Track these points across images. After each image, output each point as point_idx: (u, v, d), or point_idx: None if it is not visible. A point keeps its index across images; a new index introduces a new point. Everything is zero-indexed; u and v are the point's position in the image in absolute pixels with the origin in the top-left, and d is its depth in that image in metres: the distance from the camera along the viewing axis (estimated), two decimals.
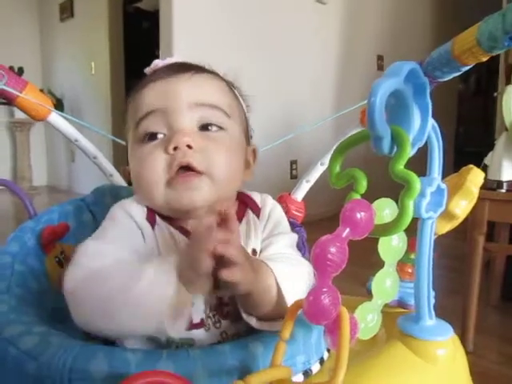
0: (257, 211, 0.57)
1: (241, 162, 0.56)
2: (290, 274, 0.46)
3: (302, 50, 3.13)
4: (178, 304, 0.41)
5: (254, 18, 2.83)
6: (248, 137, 0.60)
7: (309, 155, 2.62)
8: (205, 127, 0.53)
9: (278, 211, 0.58)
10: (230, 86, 0.59)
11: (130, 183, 0.60)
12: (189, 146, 0.50)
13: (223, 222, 0.42)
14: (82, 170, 4.16)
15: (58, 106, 3.29)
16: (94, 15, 3.94)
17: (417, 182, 0.34)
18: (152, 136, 0.53)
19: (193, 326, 0.48)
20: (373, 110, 0.32)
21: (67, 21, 4.35)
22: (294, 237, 0.58)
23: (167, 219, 0.54)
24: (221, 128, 0.54)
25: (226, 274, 0.39)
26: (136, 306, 0.41)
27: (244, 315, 0.46)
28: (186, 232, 0.53)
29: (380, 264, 0.45)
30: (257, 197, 0.59)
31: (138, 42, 3.94)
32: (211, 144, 0.52)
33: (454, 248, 1.64)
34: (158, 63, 0.59)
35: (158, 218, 0.54)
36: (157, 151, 0.51)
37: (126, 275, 0.43)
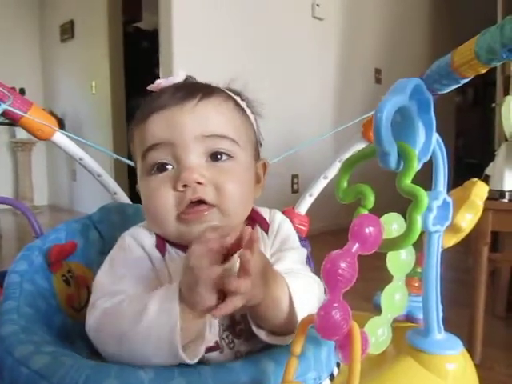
0: (265, 227, 0.57)
1: (251, 187, 0.56)
2: (301, 289, 0.46)
3: (300, 65, 3.16)
4: (190, 329, 0.41)
5: (253, 34, 2.87)
6: (257, 151, 0.60)
7: (310, 169, 2.62)
8: (213, 156, 0.52)
9: (286, 226, 0.58)
10: (237, 102, 0.58)
11: None
12: (198, 183, 0.50)
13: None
14: (83, 188, 4.17)
15: (60, 125, 3.31)
16: (95, 36, 3.99)
17: (424, 196, 0.35)
18: (160, 167, 0.52)
19: (208, 349, 0.47)
20: (379, 127, 0.32)
21: (68, 41, 4.41)
22: (304, 252, 0.58)
23: (178, 245, 0.54)
24: (229, 156, 0.53)
25: (234, 285, 0.38)
26: (146, 339, 0.41)
27: (254, 327, 0.45)
28: None
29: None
30: (266, 212, 0.59)
31: (138, 61, 3.99)
32: (221, 176, 0.51)
33: (457, 260, 1.64)
34: (160, 82, 0.57)
35: (167, 245, 0.54)
36: (165, 187, 0.51)
37: (134, 310, 0.43)
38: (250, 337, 0.48)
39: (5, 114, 0.75)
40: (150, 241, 0.53)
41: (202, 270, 0.39)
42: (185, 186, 0.50)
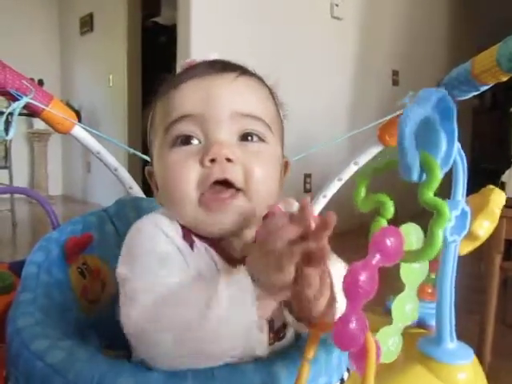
0: None
1: (278, 177, 0.52)
2: (337, 274, 0.42)
3: (317, 64, 3.15)
4: (260, 318, 0.37)
5: (271, 33, 2.87)
6: (283, 148, 0.55)
7: (323, 169, 2.62)
8: (245, 137, 0.48)
9: None
10: (271, 92, 0.54)
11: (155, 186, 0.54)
12: (228, 160, 0.45)
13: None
14: (97, 180, 4.21)
15: (77, 118, 3.33)
16: (113, 29, 4.01)
17: (447, 211, 0.34)
18: (185, 140, 0.47)
19: None
20: (403, 139, 0.32)
21: (87, 34, 4.44)
22: None
23: (204, 238, 0.48)
24: (261, 139, 0.48)
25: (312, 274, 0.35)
26: (217, 333, 0.37)
27: (294, 323, 0.43)
28: (226, 255, 0.48)
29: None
30: (281, 204, 0.55)
31: (156, 55, 4.01)
32: (251, 157, 0.46)
33: (469, 266, 1.62)
34: (194, 59, 0.53)
35: (194, 237, 0.48)
36: (190, 161, 0.46)
37: (196, 304, 0.38)
38: (272, 341, 0.47)
39: (26, 106, 0.76)
40: (176, 232, 0.47)
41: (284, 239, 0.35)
42: (213, 161, 0.45)
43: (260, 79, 0.53)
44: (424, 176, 0.35)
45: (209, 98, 0.47)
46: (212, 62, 0.51)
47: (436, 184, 0.35)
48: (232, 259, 0.47)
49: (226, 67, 0.49)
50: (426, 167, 0.35)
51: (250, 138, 0.48)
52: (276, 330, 0.47)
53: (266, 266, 0.36)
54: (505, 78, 0.64)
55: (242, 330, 0.37)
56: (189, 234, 0.48)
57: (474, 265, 1.52)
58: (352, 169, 0.87)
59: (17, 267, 0.70)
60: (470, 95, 0.71)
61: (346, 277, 0.32)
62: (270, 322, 0.47)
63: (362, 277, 0.31)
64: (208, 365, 0.39)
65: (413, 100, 0.34)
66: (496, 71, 0.62)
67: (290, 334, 0.49)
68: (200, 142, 0.47)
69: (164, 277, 0.42)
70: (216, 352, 0.38)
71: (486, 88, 0.68)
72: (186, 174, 0.45)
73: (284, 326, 0.48)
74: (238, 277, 0.38)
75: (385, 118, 0.86)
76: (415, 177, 0.35)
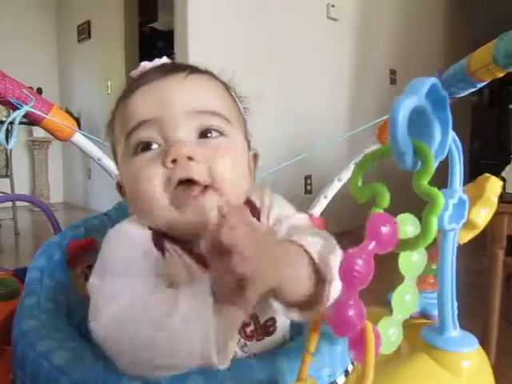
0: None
1: (245, 168, 0.51)
2: (318, 245, 0.42)
3: (314, 66, 3.15)
4: (223, 331, 0.36)
5: (268, 36, 2.87)
6: (248, 140, 0.55)
7: (323, 170, 2.62)
8: (203, 134, 0.48)
9: (277, 205, 0.54)
10: (227, 85, 0.54)
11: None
12: (189, 158, 0.45)
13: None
14: (98, 187, 4.22)
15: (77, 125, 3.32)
16: (111, 36, 4.03)
17: (441, 198, 0.34)
18: (145, 146, 0.47)
19: None
20: (395, 126, 0.32)
21: (84, 42, 4.47)
22: (302, 217, 0.54)
23: (176, 241, 0.48)
24: (221, 134, 0.49)
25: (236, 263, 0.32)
26: (175, 344, 0.36)
27: (285, 314, 0.42)
28: (200, 257, 0.45)
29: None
30: (255, 194, 0.54)
31: (153, 61, 4.02)
32: (212, 152, 0.46)
33: (471, 263, 1.62)
34: (145, 65, 0.53)
35: (166, 241, 0.47)
36: (152, 164, 0.46)
37: (155, 312, 0.38)
38: (261, 337, 0.47)
39: (27, 115, 0.77)
40: (145, 237, 0.47)
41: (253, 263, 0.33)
42: (174, 161, 0.45)
43: (212, 75, 0.54)
44: (419, 164, 0.35)
45: (162, 100, 0.47)
46: (160, 66, 0.52)
47: (430, 173, 0.35)
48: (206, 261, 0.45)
49: (175, 68, 0.51)
50: (419, 156, 0.35)
51: (209, 134, 0.48)
52: (263, 325, 0.48)
53: (222, 289, 0.36)
54: (501, 75, 0.65)
55: (199, 337, 0.36)
56: (160, 238, 0.47)
57: (473, 262, 1.52)
58: (352, 169, 0.88)
59: (21, 274, 0.70)
60: (467, 92, 0.72)
61: (342, 263, 0.32)
62: (254, 318, 0.47)
63: (358, 262, 0.31)
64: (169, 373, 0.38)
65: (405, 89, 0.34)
66: (492, 68, 0.63)
67: (281, 327, 0.50)
68: (160, 146, 0.47)
69: (127, 286, 0.41)
70: (170, 363, 0.37)
71: (482, 85, 0.69)
72: (150, 178, 0.45)
73: (273, 319, 0.49)
74: (198, 287, 0.38)
75: (383, 118, 0.86)
76: (409, 164, 0.35)
